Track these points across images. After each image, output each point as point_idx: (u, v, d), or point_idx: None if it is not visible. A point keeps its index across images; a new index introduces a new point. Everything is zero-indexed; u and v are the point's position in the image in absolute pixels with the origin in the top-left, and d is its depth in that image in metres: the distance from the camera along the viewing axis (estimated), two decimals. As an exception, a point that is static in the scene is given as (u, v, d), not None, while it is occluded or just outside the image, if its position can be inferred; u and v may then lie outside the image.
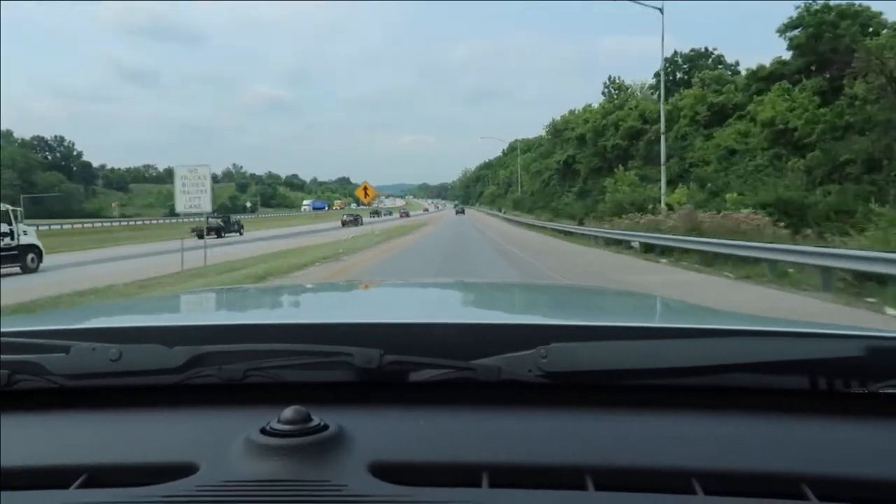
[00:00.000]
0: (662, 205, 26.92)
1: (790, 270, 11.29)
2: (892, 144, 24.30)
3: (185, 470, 0.68)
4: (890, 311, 8.05)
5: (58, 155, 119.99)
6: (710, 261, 14.16)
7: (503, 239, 29.60)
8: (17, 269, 16.38)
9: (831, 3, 33.61)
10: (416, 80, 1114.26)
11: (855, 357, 0.82)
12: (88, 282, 12.32)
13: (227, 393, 0.86)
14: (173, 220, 46.16)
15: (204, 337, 0.89)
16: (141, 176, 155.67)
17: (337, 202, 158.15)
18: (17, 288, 12.59)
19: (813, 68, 34.84)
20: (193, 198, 15.29)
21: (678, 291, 8.61)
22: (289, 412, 0.71)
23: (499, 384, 0.82)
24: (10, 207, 16.43)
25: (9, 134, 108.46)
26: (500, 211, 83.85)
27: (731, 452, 0.72)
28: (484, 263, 16.95)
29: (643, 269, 14.53)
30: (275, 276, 13.13)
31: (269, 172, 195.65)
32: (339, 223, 51.97)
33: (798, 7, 34.84)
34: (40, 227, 20.31)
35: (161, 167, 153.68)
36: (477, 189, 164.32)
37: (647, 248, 18.76)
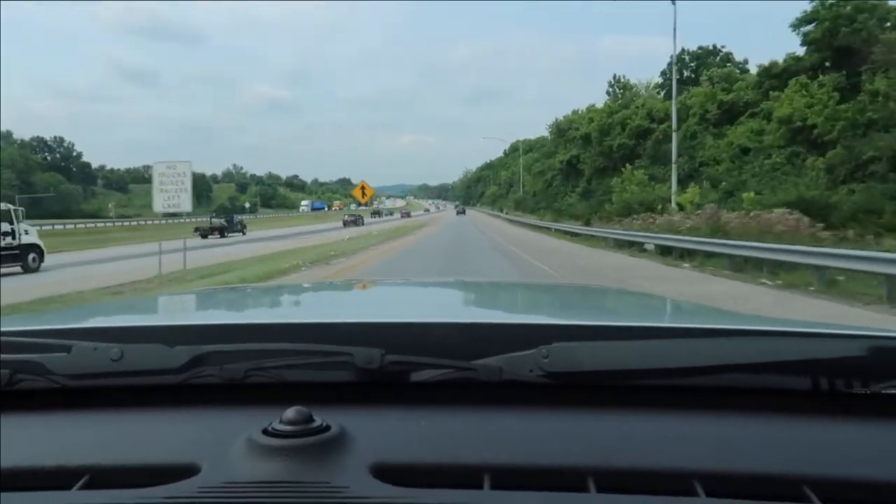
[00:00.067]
0: (673, 204, 25.99)
1: (839, 278, 9.94)
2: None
3: (186, 471, 0.68)
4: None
5: (57, 156, 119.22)
6: (740, 265, 12.80)
7: (505, 240, 28.54)
8: (19, 269, 16.21)
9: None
10: (416, 80, 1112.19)
11: (857, 357, 0.80)
12: (62, 286, 11.75)
13: (229, 393, 0.85)
14: (172, 221, 45.44)
15: (205, 336, 0.89)
16: (140, 176, 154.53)
17: (336, 203, 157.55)
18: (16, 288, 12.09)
19: (828, 64, 33.90)
20: (172, 196, 13.90)
21: (732, 307, 7.23)
22: (291, 413, 0.71)
23: (500, 384, 0.82)
24: (11, 207, 16.28)
25: (9, 135, 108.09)
26: (501, 211, 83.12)
27: (733, 453, 0.71)
28: (488, 268, 15.71)
29: (669, 276, 12.84)
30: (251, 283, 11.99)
31: (270, 173, 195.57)
32: (338, 224, 52.79)
33: (813, 2, 33.86)
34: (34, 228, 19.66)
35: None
36: (478, 189, 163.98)
37: (664, 251, 17.49)
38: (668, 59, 51.67)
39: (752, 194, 23.36)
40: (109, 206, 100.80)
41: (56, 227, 47.69)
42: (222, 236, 37.98)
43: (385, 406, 0.82)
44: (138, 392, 0.85)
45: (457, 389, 0.84)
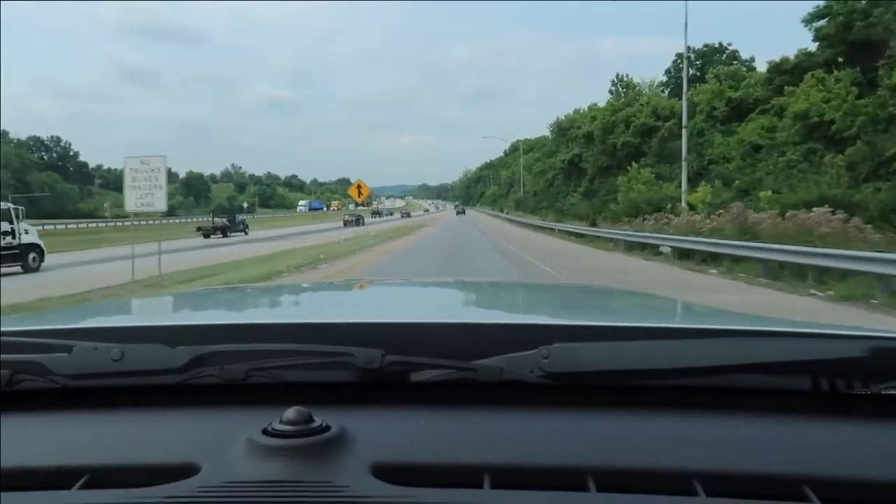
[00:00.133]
0: (684, 204, 24.89)
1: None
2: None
3: (186, 470, 0.68)
4: None
5: (54, 155, 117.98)
6: (776, 271, 11.58)
7: (506, 240, 27.40)
8: (19, 269, 15.98)
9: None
10: (416, 81, 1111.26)
11: (857, 358, 0.81)
12: (39, 290, 10.83)
13: (229, 393, 0.85)
14: (172, 221, 44.42)
15: (206, 337, 0.89)
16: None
17: (334, 203, 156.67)
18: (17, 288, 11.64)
19: (841, 59, 32.75)
20: (145, 194, 12.67)
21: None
22: (291, 413, 0.71)
23: (500, 384, 0.82)
24: (11, 206, 16.01)
25: (5, 134, 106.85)
26: (501, 211, 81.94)
27: (733, 454, 0.71)
28: (489, 268, 14.58)
29: (697, 285, 11.42)
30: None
31: (269, 173, 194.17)
32: (336, 223, 52.49)
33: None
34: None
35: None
36: (478, 189, 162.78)
37: (682, 254, 16.31)
38: (672, 58, 50.76)
39: (769, 193, 22.14)
40: (105, 205, 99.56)
41: (46, 227, 46.84)
42: (224, 236, 38.19)
43: (385, 406, 0.82)
44: (139, 392, 0.85)
45: (457, 390, 0.84)
